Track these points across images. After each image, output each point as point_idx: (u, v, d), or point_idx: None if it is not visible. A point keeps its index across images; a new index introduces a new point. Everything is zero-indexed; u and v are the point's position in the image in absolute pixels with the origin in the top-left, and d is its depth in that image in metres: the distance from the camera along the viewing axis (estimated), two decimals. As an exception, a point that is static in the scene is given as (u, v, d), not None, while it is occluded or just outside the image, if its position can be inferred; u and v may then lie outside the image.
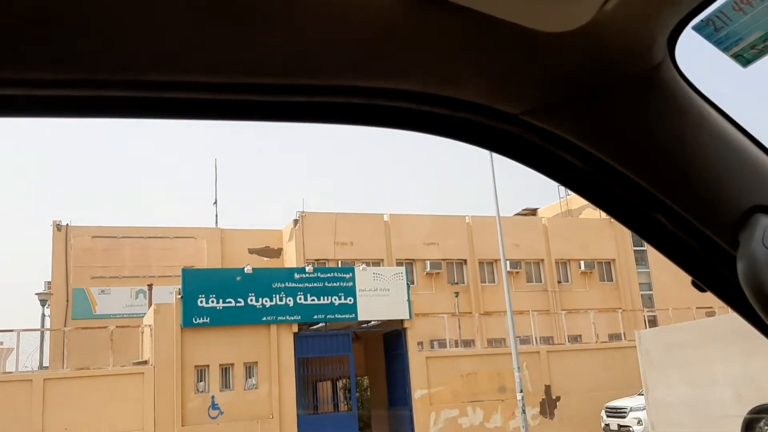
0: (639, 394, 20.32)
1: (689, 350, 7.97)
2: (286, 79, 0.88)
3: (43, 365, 22.65)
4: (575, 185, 1.07)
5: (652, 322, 29.33)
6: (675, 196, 0.99)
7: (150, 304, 23.29)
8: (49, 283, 27.06)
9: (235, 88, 0.87)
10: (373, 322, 22.31)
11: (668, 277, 33.32)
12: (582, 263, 32.56)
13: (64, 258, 27.91)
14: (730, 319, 10.29)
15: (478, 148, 1.03)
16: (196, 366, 19.76)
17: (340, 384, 24.04)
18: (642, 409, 18.81)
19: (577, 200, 35.88)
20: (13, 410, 17.91)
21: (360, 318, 21.48)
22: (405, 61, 0.88)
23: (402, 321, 22.10)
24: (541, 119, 0.97)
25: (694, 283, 1.08)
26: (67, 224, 28.36)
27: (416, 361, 22.12)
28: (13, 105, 0.84)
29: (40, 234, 66.36)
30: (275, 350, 20.49)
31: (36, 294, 24.03)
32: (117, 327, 21.24)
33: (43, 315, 24.22)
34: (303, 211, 29.31)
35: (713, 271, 1.03)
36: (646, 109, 0.95)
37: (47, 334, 23.15)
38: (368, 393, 27.06)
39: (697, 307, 27.53)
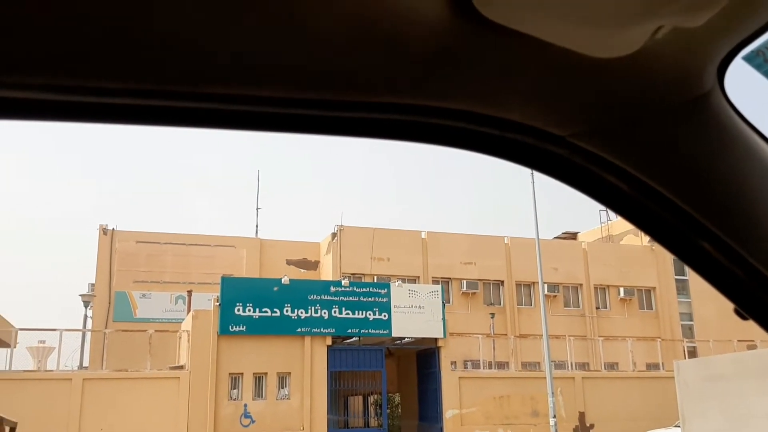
0: (675, 426, 19.86)
1: (728, 383, 7.80)
2: (339, 96, 0.90)
3: (83, 365, 23.14)
4: (620, 208, 1.08)
5: (692, 353, 28.66)
6: (721, 223, 1.00)
7: (189, 310, 23.66)
8: (92, 285, 27.71)
9: (289, 103, 0.89)
10: (406, 339, 22.28)
11: (710, 308, 32.53)
12: (621, 290, 32.02)
13: (108, 261, 28.59)
14: (771, 352, 10.05)
15: (518, 169, 1.05)
16: (230, 373, 19.99)
17: (371, 399, 24.01)
18: (678, 442, 18.38)
19: (618, 226, 35.36)
20: (53, 408, 18.34)
21: (394, 334, 21.47)
22: (456, 80, 0.90)
23: (436, 339, 22.02)
24: (589, 142, 0.99)
25: (736, 311, 1.08)
26: (113, 229, 29.06)
27: (449, 380, 21.99)
28: (54, 110, 0.86)
29: (87, 237, 67.92)
30: (308, 362, 20.60)
31: (80, 295, 24.60)
32: (156, 331, 21.62)
33: (86, 316, 24.77)
34: (341, 225, 29.50)
35: (756, 299, 1.03)
36: (695, 137, 0.96)
37: (88, 334, 23.68)
38: (399, 410, 26.95)
39: (738, 340, 26.85)
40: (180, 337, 22.30)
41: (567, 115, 0.96)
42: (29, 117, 0.88)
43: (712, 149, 0.97)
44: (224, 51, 0.80)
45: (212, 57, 0.81)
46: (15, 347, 19.72)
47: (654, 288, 32.79)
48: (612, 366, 27.02)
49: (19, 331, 19.95)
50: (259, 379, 20.32)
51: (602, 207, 35.28)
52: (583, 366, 27.06)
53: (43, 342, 21.34)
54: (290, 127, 0.95)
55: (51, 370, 19.64)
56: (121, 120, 0.89)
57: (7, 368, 19.27)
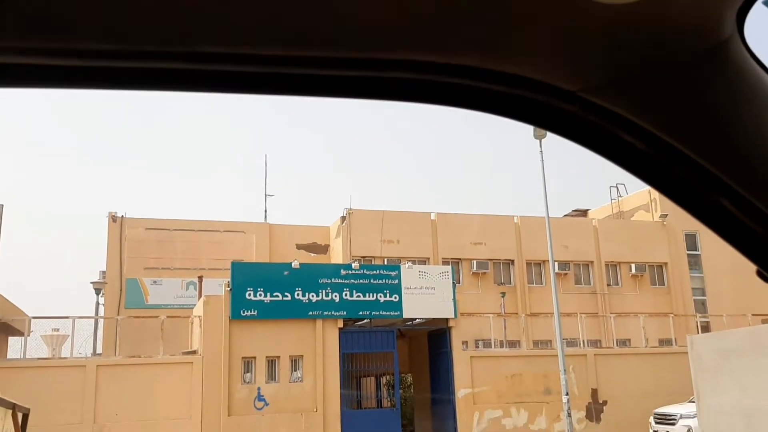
0: (690, 401, 19.83)
1: (744, 357, 7.72)
2: (340, 53, 0.86)
3: (96, 352, 23.33)
4: (634, 167, 1.03)
5: (705, 329, 28.56)
6: (741, 179, 0.95)
7: (200, 296, 23.76)
8: (103, 272, 27.86)
9: (291, 61, 0.86)
10: (417, 320, 22.30)
11: (723, 283, 32.38)
12: (633, 266, 31.89)
13: (118, 248, 28.71)
14: (788, 325, 9.95)
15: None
16: (243, 357, 20.09)
17: (383, 380, 24.11)
18: (692, 417, 18.33)
19: (629, 202, 35.16)
20: (68, 394, 18.51)
21: (405, 315, 21.50)
22: (461, 33, 0.85)
23: (447, 320, 22.04)
24: (601, 97, 0.93)
25: (758, 273, 1.03)
26: (122, 216, 29.15)
27: (460, 360, 22.03)
28: (64, 76, 0.84)
29: (97, 224, 68.33)
30: (320, 345, 20.67)
31: (91, 283, 24.75)
32: (168, 317, 21.73)
33: (97, 303, 24.95)
34: (350, 209, 29.47)
35: None
36: (713, 87, 0.91)
37: (101, 322, 23.83)
38: (411, 390, 27.07)
39: (753, 314, 26.71)
40: (192, 323, 22.42)
41: (578, 68, 0.91)
42: (25, 83, 0.85)
43: (732, 100, 0.91)
44: (224, 9, 0.77)
45: (213, 16, 0.78)
46: (29, 335, 19.87)
47: (666, 263, 32.63)
48: (624, 342, 26.98)
49: (32, 320, 20.08)
50: (271, 362, 20.41)
51: (613, 183, 34.88)
52: (595, 343, 27.03)
53: (57, 330, 21.50)
54: (292, 88, 0.91)
55: (65, 358, 19.78)
56: (120, 84, 0.87)
57: (22, 356, 19.43)
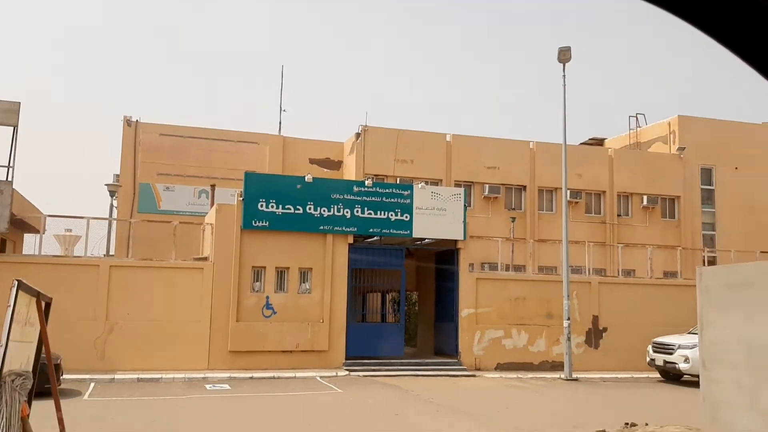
0: (689, 333, 20.15)
1: (754, 291, 7.74)
2: None
3: (109, 254, 23.73)
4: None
5: (711, 263, 28.67)
6: None
7: (212, 204, 23.94)
8: (117, 176, 28.02)
9: None
10: (427, 240, 22.48)
11: (734, 219, 32.31)
12: (645, 198, 31.77)
13: (132, 153, 28.77)
14: (802, 261, 9.94)
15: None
16: (253, 267, 20.42)
17: (389, 297, 24.54)
18: (690, 348, 18.68)
19: (648, 133, 34.66)
20: (81, 292, 18.97)
21: (415, 235, 21.65)
22: None
23: (456, 241, 22.20)
24: None
25: None
26: (137, 120, 29.05)
27: (466, 281, 22.33)
28: None
29: (112, 128, 68.22)
30: (330, 259, 20.94)
31: (105, 185, 24.90)
32: (180, 223, 21.97)
33: (111, 205, 25.16)
34: (366, 125, 29.21)
35: None
36: None
37: (114, 224, 24.14)
38: (416, 308, 27.61)
39: (761, 251, 26.76)
40: (204, 230, 22.69)
41: None
42: None
43: None
44: None
45: None
46: (44, 233, 20.18)
47: (678, 197, 32.47)
48: (629, 273, 27.19)
49: (47, 218, 20.34)
50: (281, 273, 20.76)
51: (632, 113, 34.07)
52: (600, 272, 27.27)
53: (70, 230, 21.82)
54: None
55: (79, 256, 20.14)
56: None
57: (37, 253, 19.80)
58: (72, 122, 72.34)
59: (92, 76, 79.59)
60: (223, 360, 19.72)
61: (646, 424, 11.31)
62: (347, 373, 19.82)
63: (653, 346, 21.19)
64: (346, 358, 20.77)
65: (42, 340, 4.99)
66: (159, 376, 18.13)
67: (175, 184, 28.87)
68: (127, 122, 28.87)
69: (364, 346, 21.21)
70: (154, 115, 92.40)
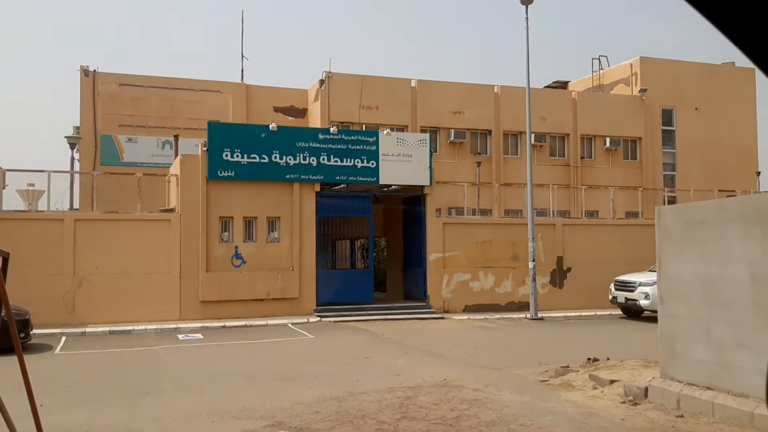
0: (650, 271, 20.80)
1: (710, 227, 8.03)
2: None
3: (73, 207, 23.39)
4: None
5: (671, 203, 29.39)
6: None
7: (176, 155, 23.64)
8: (77, 128, 27.38)
9: None
10: (393, 187, 22.59)
11: (694, 160, 33.03)
12: (607, 140, 32.22)
13: (92, 104, 28.08)
14: (756, 198, 10.31)
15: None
16: (220, 217, 20.37)
17: (358, 243, 24.75)
18: (650, 285, 19.32)
19: (610, 75, 34.90)
20: (47, 247, 18.77)
21: (381, 182, 21.74)
22: None
23: (422, 187, 22.36)
24: None
25: None
26: (95, 70, 28.26)
27: (433, 226, 22.60)
28: None
29: (69, 79, 66.22)
30: (297, 207, 20.97)
31: (65, 137, 24.33)
32: (144, 174, 21.70)
33: (72, 158, 24.68)
34: (329, 72, 28.87)
35: None
36: None
37: (77, 177, 23.72)
38: (385, 253, 27.91)
39: (719, 190, 27.48)
40: (168, 182, 22.45)
41: None
42: None
43: None
44: None
45: None
46: (4, 188, 19.77)
47: (640, 138, 33.00)
48: (592, 214, 27.77)
49: (7, 172, 19.91)
50: (249, 222, 20.75)
51: (595, 55, 34.20)
52: (565, 214, 27.79)
53: (32, 185, 21.37)
54: None
55: (42, 211, 19.83)
56: None
57: (-1, 209, 19.44)
58: (28, 72, 69.99)
59: (49, 25, 76.68)
60: (195, 310, 19.83)
61: (608, 359, 11.79)
62: (318, 319, 20.11)
63: (615, 285, 21.84)
64: (317, 305, 21.03)
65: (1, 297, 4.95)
66: (131, 327, 18.19)
67: (137, 135, 28.36)
68: (84, 72, 28.07)
69: (335, 293, 21.47)
70: (113, 65, 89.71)
